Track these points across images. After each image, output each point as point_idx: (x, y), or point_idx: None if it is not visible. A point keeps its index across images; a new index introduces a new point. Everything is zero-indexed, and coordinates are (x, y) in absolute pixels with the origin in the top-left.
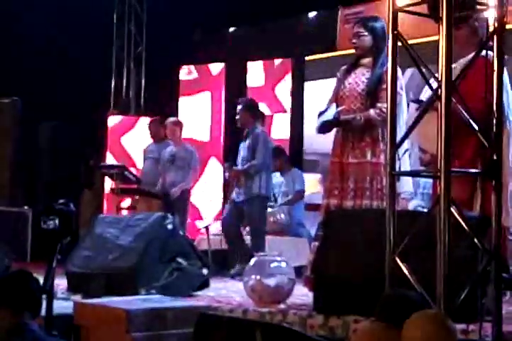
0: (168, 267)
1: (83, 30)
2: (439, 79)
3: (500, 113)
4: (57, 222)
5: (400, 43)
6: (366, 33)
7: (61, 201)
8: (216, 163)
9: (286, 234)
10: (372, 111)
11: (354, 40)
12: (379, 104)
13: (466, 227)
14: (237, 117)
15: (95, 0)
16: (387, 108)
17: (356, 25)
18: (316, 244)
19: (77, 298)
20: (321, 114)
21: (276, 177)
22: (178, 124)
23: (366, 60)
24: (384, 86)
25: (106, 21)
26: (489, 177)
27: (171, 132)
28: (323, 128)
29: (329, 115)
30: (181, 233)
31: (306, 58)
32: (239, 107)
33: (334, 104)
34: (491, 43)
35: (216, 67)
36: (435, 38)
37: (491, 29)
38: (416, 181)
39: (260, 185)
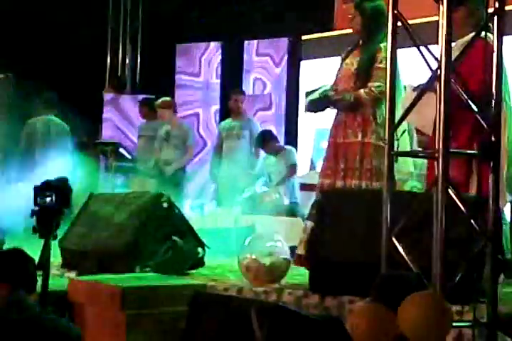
0: (163, 245)
1: (78, 6)
2: (439, 59)
3: (499, 94)
4: (53, 198)
5: (399, 23)
6: (357, 15)
7: (58, 177)
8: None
9: (281, 213)
10: (362, 91)
11: (350, 22)
12: (369, 84)
13: (463, 208)
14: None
15: None
16: (386, 88)
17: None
18: (309, 223)
19: (72, 274)
20: (308, 93)
21: (270, 159)
22: (166, 106)
23: (362, 41)
24: (376, 65)
25: None
26: (487, 159)
27: (161, 114)
28: (312, 106)
29: (317, 94)
30: (177, 211)
31: (303, 37)
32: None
33: (328, 84)
34: (489, 24)
35: (213, 46)
36: (435, 18)
37: (491, 10)
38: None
39: None
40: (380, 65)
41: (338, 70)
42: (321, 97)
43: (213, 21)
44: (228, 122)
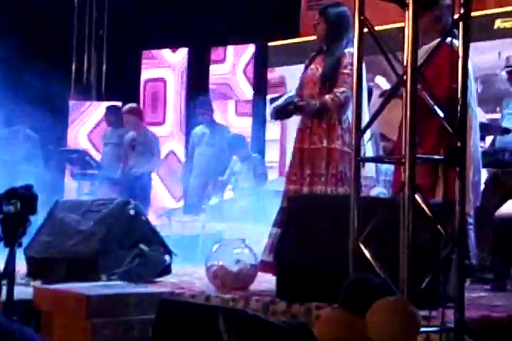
0: (129, 253)
1: (43, 13)
2: (405, 65)
3: (465, 100)
4: (18, 205)
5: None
6: (321, 21)
7: (23, 185)
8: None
9: (248, 220)
10: (327, 96)
11: (314, 29)
12: (335, 89)
13: (429, 214)
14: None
15: None
16: (349, 94)
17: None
18: (274, 229)
19: (37, 283)
20: (272, 100)
21: (237, 165)
22: (132, 112)
23: (326, 47)
24: (341, 71)
25: (67, 4)
26: (453, 164)
27: (127, 120)
28: (277, 113)
29: (282, 100)
30: (144, 218)
31: (269, 44)
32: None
33: (292, 90)
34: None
35: (179, 52)
36: (400, 24)
37: (456, 16)
38: (378, 168)
39: None
40: (345, 71)
41: (302, 76)
42: (287, 104)
43: (179, 27)
44: (200, 129)
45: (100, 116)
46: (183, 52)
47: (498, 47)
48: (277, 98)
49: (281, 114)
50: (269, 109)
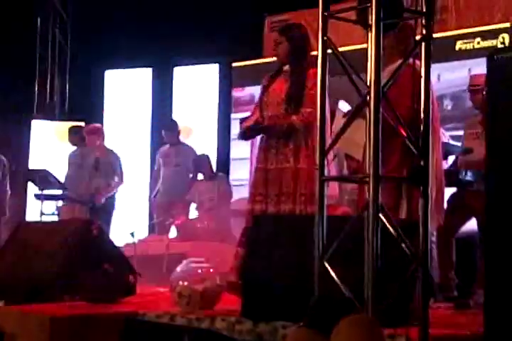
0: (93, 273)
1: (5, 33)
2: (368, 85)
3: (427, 119)
4: None
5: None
6: (284, 41)
7: None
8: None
9: (212, 239)
10: (294, 117)
11: (274, 48)
12: (302, 110)
13: (394, 233)
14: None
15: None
16: (316, 114)
17: (276, 33)
18: (240, 249)
19: (0, 304)
20: (242, 120)
21: (202, 185)
22: (94, 132)
23: (287, 67)
24: (307, 91)
25: (29, 24)
26: (417, 183)
27: (89, 140)
28: (246, 134)
29: (251, 121)
30: (107, 239)
31: (233, 64)
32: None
33: (258, 110)
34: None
35: (143, 72)
36: (363, 46)
37: (418, 37)
38: (343, 187)
39: None
40: (311, 92)
41: (264, 96)
42: (255, 124)
43: (143, 48)
44: (165, 149)
45: (63, 136)
46: (147, 73)
47: (468, 64)
48: (246, 118)
49: (250, 134)
50: (238, 129)
